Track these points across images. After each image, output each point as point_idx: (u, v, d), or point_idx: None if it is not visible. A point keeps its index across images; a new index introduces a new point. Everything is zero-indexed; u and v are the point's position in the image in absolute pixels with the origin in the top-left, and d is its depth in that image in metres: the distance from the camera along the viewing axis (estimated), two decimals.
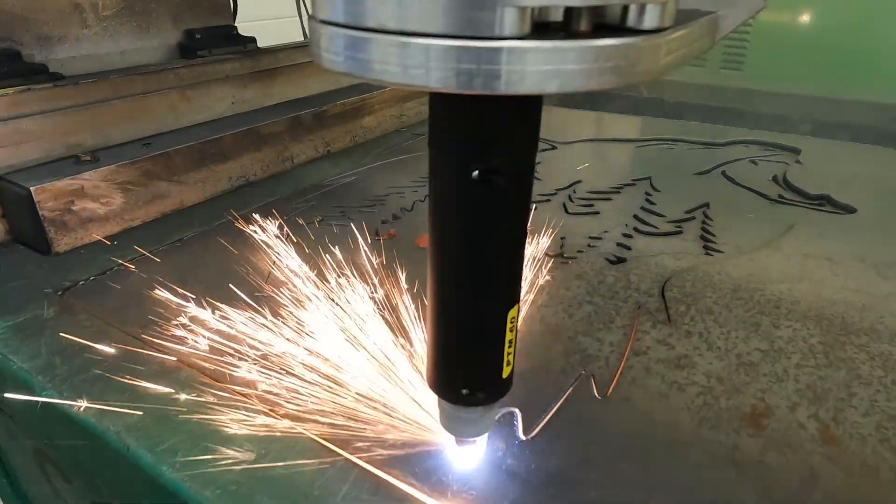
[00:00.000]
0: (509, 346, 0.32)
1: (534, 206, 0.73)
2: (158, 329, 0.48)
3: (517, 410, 0.40)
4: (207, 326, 0.48)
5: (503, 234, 0.29)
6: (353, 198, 0.75)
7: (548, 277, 0.57)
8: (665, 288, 0.55)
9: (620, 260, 0.60)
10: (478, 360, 0.32)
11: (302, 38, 1.04)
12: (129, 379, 0.43)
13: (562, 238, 0.65)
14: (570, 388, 0.43)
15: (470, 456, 0.37)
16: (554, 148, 0.95)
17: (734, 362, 0.45)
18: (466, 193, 0.27)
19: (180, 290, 0.51)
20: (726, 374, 0.44)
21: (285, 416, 0.40)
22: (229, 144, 0.77)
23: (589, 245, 0.63)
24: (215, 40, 0.82)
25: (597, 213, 0.72)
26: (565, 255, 0.61)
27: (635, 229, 0.67)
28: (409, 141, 0.98)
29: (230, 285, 0.52)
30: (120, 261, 0.59)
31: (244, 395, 0.42)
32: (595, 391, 0.42)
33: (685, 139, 0.98)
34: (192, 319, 0.49)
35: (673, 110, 1.32)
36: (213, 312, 0.49)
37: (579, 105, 1.33)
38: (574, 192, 0.77)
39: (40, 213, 0.59)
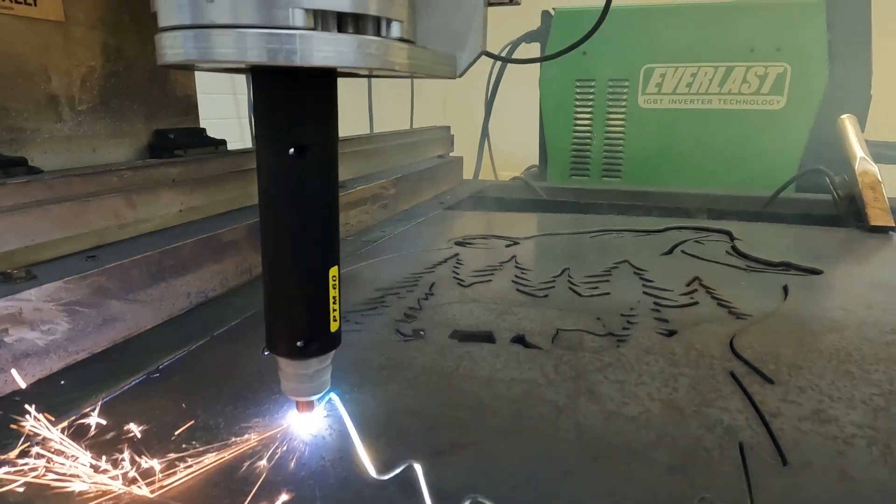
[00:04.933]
0: (334, 303, 0.37)
1: (543, 294, 0.69)
2: None
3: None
4: None
5: (318, 200, 0.35)
6: None
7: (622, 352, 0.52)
8: (736, 351, 0.53)
9: (672, 332, 0.58)
10: (307, 313, 0.37)
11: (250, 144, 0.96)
12: None
13: (598, 318, 0.61)
14: (744, 465, 0.37)
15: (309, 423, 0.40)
16: (517, 243, 0.94)
17: (868, 409, 0.43)
18: (287, 167, 0.34)
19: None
20: (871, 421, 0.42)
21: None
22: (189, 254, 0.64)
23: (629, 322, 0.61)
24: (187, 140, 0.73)
25: (608, 293, 0.70)
26: (615, 334, 0.58)
27: (656, 304, 0.66)
28: (362, 249, 0.91)
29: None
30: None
31: None
32: (770, 459, 0.37)
33: (628, 228, 1.03)
34: None
35: (574, 208, 1.41)
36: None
37: (494, 210, 1.37)
38: (570, 277, 0.75)
39: None
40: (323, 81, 0.34)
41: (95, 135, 0.68)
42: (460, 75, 0.44)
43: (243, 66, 0.34)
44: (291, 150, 0.33)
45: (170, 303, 0.62)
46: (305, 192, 0.35)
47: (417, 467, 0.36)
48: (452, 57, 0.42)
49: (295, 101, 0.33)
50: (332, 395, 0.42)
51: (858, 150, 1.10)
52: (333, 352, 0.39)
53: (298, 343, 0.36)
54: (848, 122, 1.16)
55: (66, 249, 0.57)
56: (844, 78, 1.47)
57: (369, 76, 0.42)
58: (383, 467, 0.36)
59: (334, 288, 0.37)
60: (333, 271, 0.37)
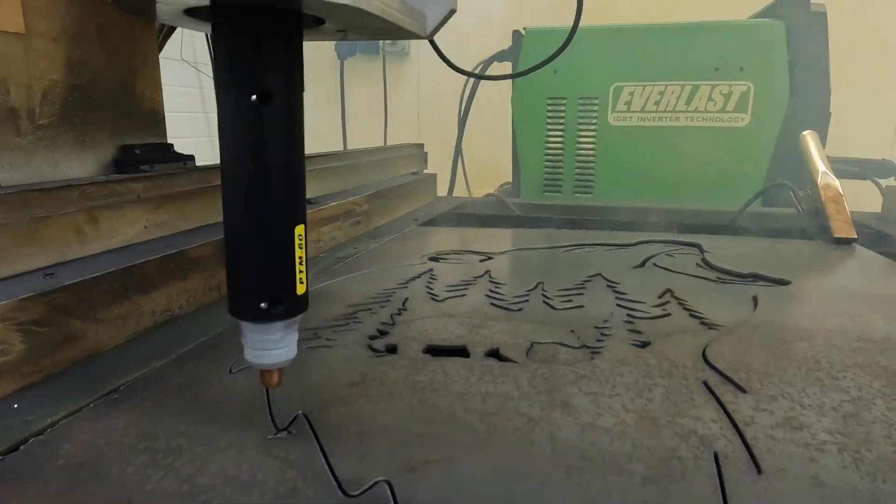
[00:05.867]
0: (300, 264, 0.36)
1: (518, 307, 0.69)
2: None
3: None
4: None
5: (282, 151, 0.34)
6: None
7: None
8: (708, 361, 0.53)
9: (646, 344, 0.58)
10: (272, 272, 0.36)
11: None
12: None
13: (572, 331, 0.61)
14: (719, 474, 0.37)
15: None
16: (491, 258, 0.94)
17: (838, 415, 0.44)
18: (249, 115, 0.33)
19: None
20: (842, 427, 0.42)
21: None
22: (154, 271, 0.62)
23: (603, 334, 0.60)
24: (154, 156, 0.71)
25: (581, 306, 0.70)
26: (589, 346, 0.57)
27: (629, 316, 0.66)
28: (334, 266, 0.90)
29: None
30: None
31: None
32: (744, 467, 0.37)
33: (601, 243, 1.04)
34: None
35: (547, 224, 1.42)
36: None
37: (468, 225, 1.37)
38: (545, 291, 0.75)
39: None
40: (287, 25, 0.34)
41: (57, 149, 0.66)
42: (431, 35, 0.43)
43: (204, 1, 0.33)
44: (254, 96, 0.33)
45: (133, 321, 0.60)
46: (269, 141, 0.34)
47: (388, 484, 0.35)
48: (422, 13, 0.42)
49: (257, 45, 0.33)
50: (301, 414, 0.41)
51: (820, 165, 1.13)
52: (300, 316, 0.38)
53: (262, 305, 0.35)
54: (809, 138, 1.19)
55: (23, 266, 0.54)
56: (805, 96, 1.52)
57: (340, 35, 0.41)
58: (354, 485, 0.35)
59: (300, 248, 0.36)
60: (299, 230, 0.36)
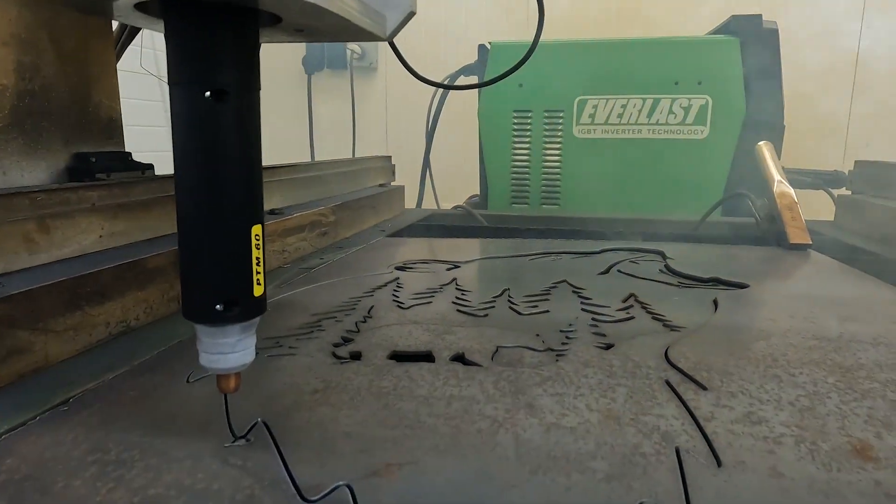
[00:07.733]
0: (258, 265, 0.36)
1: (484, 313, 0.69)
2: None
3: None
4: None
5: (237, 150, 0.34)
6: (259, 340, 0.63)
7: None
8: (671, 361, 0.54)
9: (610, 346, 0.58)
10: (228, 273, 0.35)
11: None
12: None
13: (537, 335, 0.61)
14: (680, 468, 0.37)
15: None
16: (458, 267, 0.94)
17: (794, 409, 0.44)
18: (203, 113, 0.32)
19: None
20: (798, 420, 0.43)
21: None
22: (109, 281, 0.60)
23: (568, 337, 0.61)
24: (110, 164, 0.69)
25: (547, 311, 0.70)
26: (554, 349, 0.58)
27: (594, 320, 0.67)
28: (299, 276, 0.88)
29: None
30: None
31: None
32: (704, 461, 0.38)
33: (566, 251, 1.05)
34: None
35: (514, 234, 1.43)
36: None
37: (436, 236, 1.37)
38: (511, 297, 0.76)
39: None
40: (242, 21, 0.33)
41: (6, 156, 0.63)
42: (390, 37, 0.43)
43: None
44: (207, 93, 0.32)
45: (86, 333, 0.58)
46: (223, 140, 0.33)
47: (349, 488, 0.34)
48: (381, 15, 0.42)
49: (212, 40, 0.32)
50: (260, 421, 0.40)
51: (775, 174, 1.17)
52: (258, 319, 0.37)
53: (217, 307, 0.34)
54: (765, 149, 1.23)
55: None
56: (760, 109, 1.57)
57: (298, 35, 0.41)
58: (314, 491, 0.34)
59: (258, 248, 0.35)
60: (256, 230, 0.35)
